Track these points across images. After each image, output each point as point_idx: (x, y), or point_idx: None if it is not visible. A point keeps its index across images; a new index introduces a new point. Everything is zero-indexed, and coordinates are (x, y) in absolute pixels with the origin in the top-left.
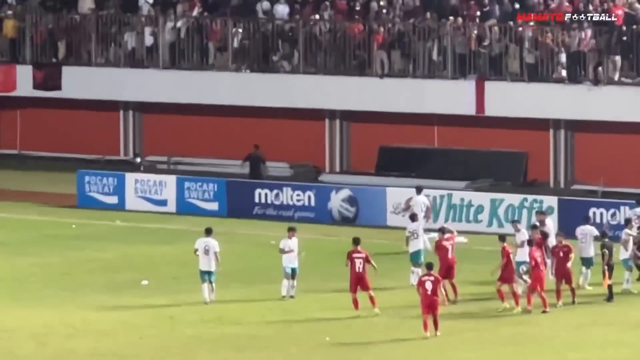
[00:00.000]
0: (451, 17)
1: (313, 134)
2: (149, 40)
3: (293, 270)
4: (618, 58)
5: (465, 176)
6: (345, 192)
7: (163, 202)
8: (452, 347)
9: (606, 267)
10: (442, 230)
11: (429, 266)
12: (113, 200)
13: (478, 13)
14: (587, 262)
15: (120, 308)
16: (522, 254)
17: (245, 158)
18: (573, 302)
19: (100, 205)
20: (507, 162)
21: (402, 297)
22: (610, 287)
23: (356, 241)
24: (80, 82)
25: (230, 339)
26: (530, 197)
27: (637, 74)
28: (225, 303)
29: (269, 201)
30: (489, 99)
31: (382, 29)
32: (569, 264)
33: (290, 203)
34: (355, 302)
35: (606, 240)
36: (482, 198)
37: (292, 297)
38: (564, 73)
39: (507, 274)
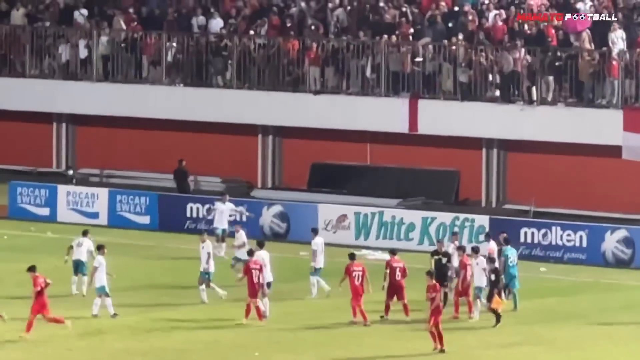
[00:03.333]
0: (385, 35)
1: (246, 149)
2: (83, 52)
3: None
4: (551, 78)
5: (397, 194)
6: (276, 208)
7: (95, 215)
8: None
9: (495, 291)
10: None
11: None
12: (45, 212)
13: (412, 31)
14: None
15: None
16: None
17: (173, 173)
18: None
19: (32, 216)
20: (439, 180)
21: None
22: (495, 310)
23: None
24: (14, 93)
25: (158, 352)
26: (461, 216)
27: (570, 94)
28: (155, 317)
29: (200, 216)
30: (422, 117)
31: (315, 45)
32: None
33: None
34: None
35: (496, 265)
36: (414, 216)
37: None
38: (497, 92)
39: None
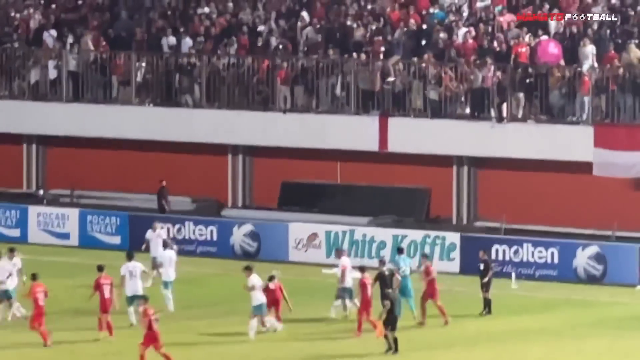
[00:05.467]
0: (355, 53)
1: (216, 168)
2: (52, 73)
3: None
4: (522, 95)
5: (368, 212)
6: (247, 227)
7: (65, 236)
8: None
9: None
10: (362, 269)
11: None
12: (15, 233)
13: (382, 49)
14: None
15: (21, 343)
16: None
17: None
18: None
19: (2, 238)
20: (410, 198)
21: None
22: (387, 336)
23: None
24: None
25: None
26: (432, 234)
27: (540, 111)
28: (126, 337)
29: (171, 235)
30: (392, 135)
31: (285, 64)
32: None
33: (193, 237)
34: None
35: (389, 291)
36: (385, 234)
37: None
38: (467, 110)
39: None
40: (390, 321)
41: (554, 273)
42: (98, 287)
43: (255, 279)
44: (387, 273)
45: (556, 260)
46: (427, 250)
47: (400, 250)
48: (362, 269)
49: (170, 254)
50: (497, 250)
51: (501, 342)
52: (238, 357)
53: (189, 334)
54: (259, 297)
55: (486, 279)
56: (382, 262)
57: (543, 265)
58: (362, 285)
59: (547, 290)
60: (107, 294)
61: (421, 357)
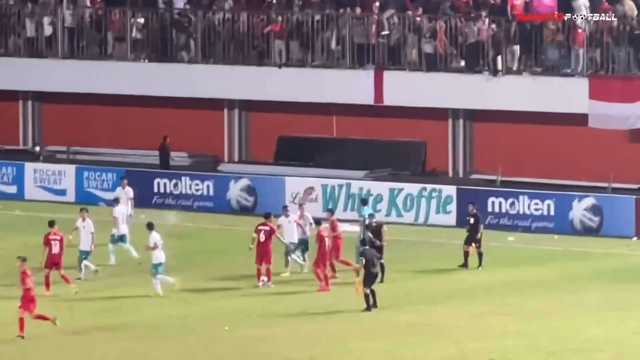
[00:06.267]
0: (349, 8)
1: (212, 123)
2: (48, 30)
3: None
4: (517, 48)
5: (364, 166)
6: (244, 182)
7: (62, 192)
8: (352, 337)
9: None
10: (317, 222)
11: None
12: (12, 189)
13: (377, 3)
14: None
15: (19, 298)
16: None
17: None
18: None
19: None
20: (406, 151)
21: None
22: (367, 295)
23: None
24: None
25: (129, 328)
26: (429, 187)
27: (535, 63)
28: (124, 292)
29: (168, 191)
30: (388, 89)
31: (280, 18)
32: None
33: (189, 192)
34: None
35: (366, 248)
36: (381, 187)
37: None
38: (462, 63)
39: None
40: (370, 279)
41: (551, 225)
42: (47, 242)
43: (157, 237)
44: (374, 225)
45: (552, 213)
46: (423, 203)
47: (364, 202)
48: (317, 221)
49: (123, 210)
50: (493, 203)
51: (499, 295)
52: (235, 312)
53: (186, 290)
54: (159, 256)
55: (479, 234)
56: (371, 216)
57: (539, 217)
58: (319, 238)
59: (543, 243)
60: (56, 250)
61: (419, 310)
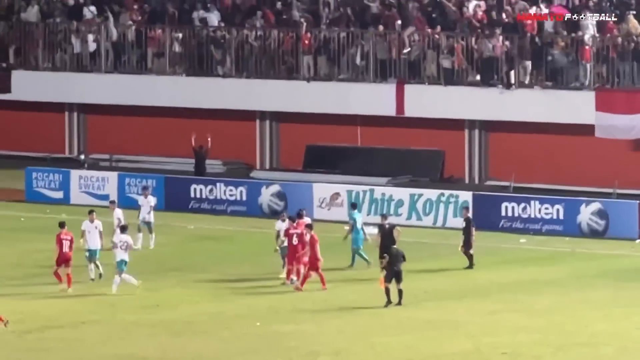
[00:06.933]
0: (372, 27)
1: (245, 133)
2: (92, 46)
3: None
4: (528, 63)
5: (387, 173)
6: (274, 188)
7: (105, 197)
8: (375, 332)
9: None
10: (309, 226)
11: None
12: (59, 195)
13: (398, 22)
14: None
15: (65, 296)
16: None
17: (195, 157)
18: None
19: (47, 199)
20: (425, 159)
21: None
22: (387, 289)
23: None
24: (29, 85)
25: (167, 324)
26: (446, 192)
27: (545, 78)
28: (162, 291)
29: (203, 196)
30: (409, 101)
31: (309, 35)
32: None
33: (224, 198)
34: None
35: (394, 247)
36: (402, 193)
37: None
38: (478, 77)
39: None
40: (392, 275)
41: (560, 228)
42: (58, 241)
43: (125, 237)
44: (387, 227)
45: (561, 216)
46: (441, 207)
47: (354, 206)
48: (309, 225)
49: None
50: (506, 207)
51: (511, 293)
52: (266, 309)
53: (220, 287)
54: (120, 254)
55: (472, 237)
56: (383, 217)
57: (549, 220)
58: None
59: (553, 244)
60: (66, 249)
61: (437, 307)
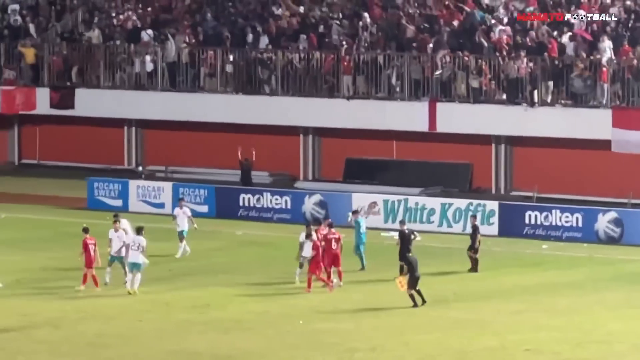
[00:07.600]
0: (406, 51)
1: (289, 147)
2: (149, 66)
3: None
4: (551, 83)
5: (419, 184)
6: (316, 197)
7: (161, 205)
8: (408, 330)
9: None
10: (329, 225)
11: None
12: (118, 203)
13: (431, 45)
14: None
15: (123, 295)
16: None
17: (241, 168)
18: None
19: (107, 207)
20: (455, 171)
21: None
22: (411, 295)
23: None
24: (91, 102)
25: (217, 322)
26: (475, 202)
27: (566, 97)
28: (213, 291)
29: (251, 204)
30: (440, 118)
31: (348, 57)
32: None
33: (270, 206)
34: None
35: (410, 255)
36: (434, 202)
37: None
38: (504, 96)
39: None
40: (413, 282)
41: (579, 235)
42: (85, 246)
43: (140, 238)
44: (406, 232)
45: (580, 224)
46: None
47: (355, 212)
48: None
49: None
50: (529, 216)
51: (533, 294)
52: (308, 309)
53: (266, 289)
54: (134, 256)
55: (478, 243)
56: (402, 223)
57: (569, 228)
58: (314, 247)
59: (572, 250)
60: (92, 253)
61: (466, 307)
